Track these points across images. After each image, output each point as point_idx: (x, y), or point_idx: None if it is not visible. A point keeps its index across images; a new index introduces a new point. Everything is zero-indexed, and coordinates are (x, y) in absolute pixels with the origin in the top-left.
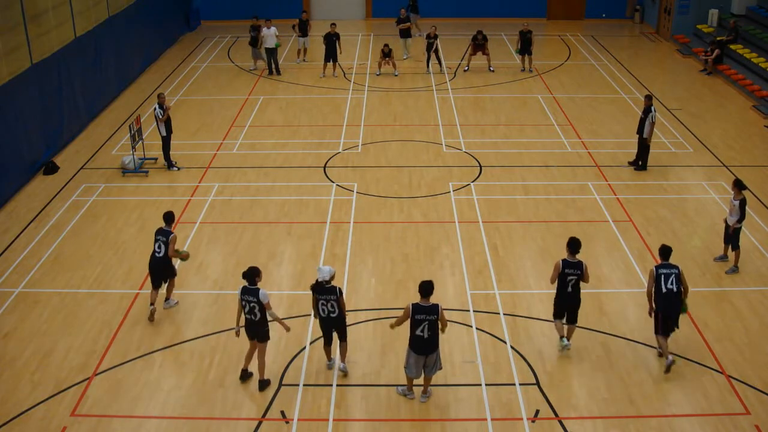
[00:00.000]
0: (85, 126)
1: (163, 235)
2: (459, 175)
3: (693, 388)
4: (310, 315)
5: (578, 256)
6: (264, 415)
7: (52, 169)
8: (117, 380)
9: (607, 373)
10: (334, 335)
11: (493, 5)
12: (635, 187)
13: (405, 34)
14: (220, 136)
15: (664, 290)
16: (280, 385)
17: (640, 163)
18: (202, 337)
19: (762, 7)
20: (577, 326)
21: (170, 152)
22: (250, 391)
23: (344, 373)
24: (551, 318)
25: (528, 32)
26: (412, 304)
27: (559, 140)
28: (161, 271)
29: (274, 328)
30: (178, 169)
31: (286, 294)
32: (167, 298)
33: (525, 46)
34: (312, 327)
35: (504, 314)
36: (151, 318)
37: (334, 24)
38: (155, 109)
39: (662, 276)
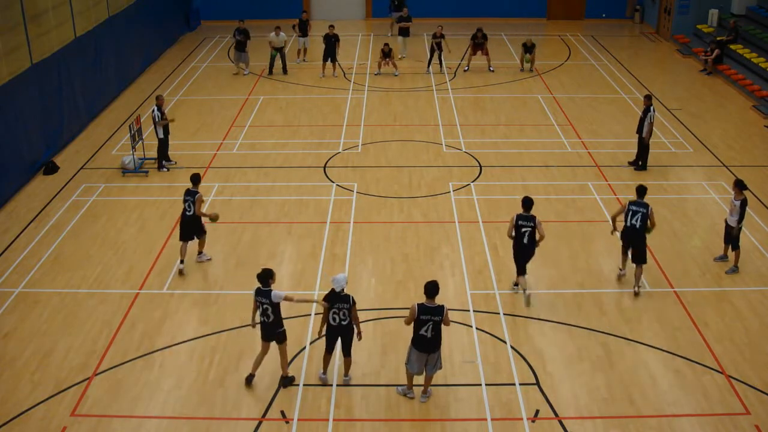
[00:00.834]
0: (85, 126)
1: (190, 195)
2: (459, 175)
3: (693, 388)
4: (310, 315)
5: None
6: (264, 415)
7: (52, 169)
8: (117, 380)
9: (607, 373)
10: (338, 344)
11: (493, 5)
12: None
13: (404, 33)
14: (220, 136)
15: (628, 224)
16: (280, 385)
17: (640, 163)
18: (202, 337)
19: (762, 7)
20: (577, 326)
21: (168, 152)
22: (250, 391)
23: (347, 382)
24: (551, 318)
25: (532, 45)
26: (418, 305)
27: (559, 140)
28: (191, 228)
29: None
30: (168, 169)
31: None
32: (200, 252)
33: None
34: (312, 327)
35: (504, 314)
36: (180, 273)
37: (332, 26)
38: (153, 111)
39: (631, 211)
